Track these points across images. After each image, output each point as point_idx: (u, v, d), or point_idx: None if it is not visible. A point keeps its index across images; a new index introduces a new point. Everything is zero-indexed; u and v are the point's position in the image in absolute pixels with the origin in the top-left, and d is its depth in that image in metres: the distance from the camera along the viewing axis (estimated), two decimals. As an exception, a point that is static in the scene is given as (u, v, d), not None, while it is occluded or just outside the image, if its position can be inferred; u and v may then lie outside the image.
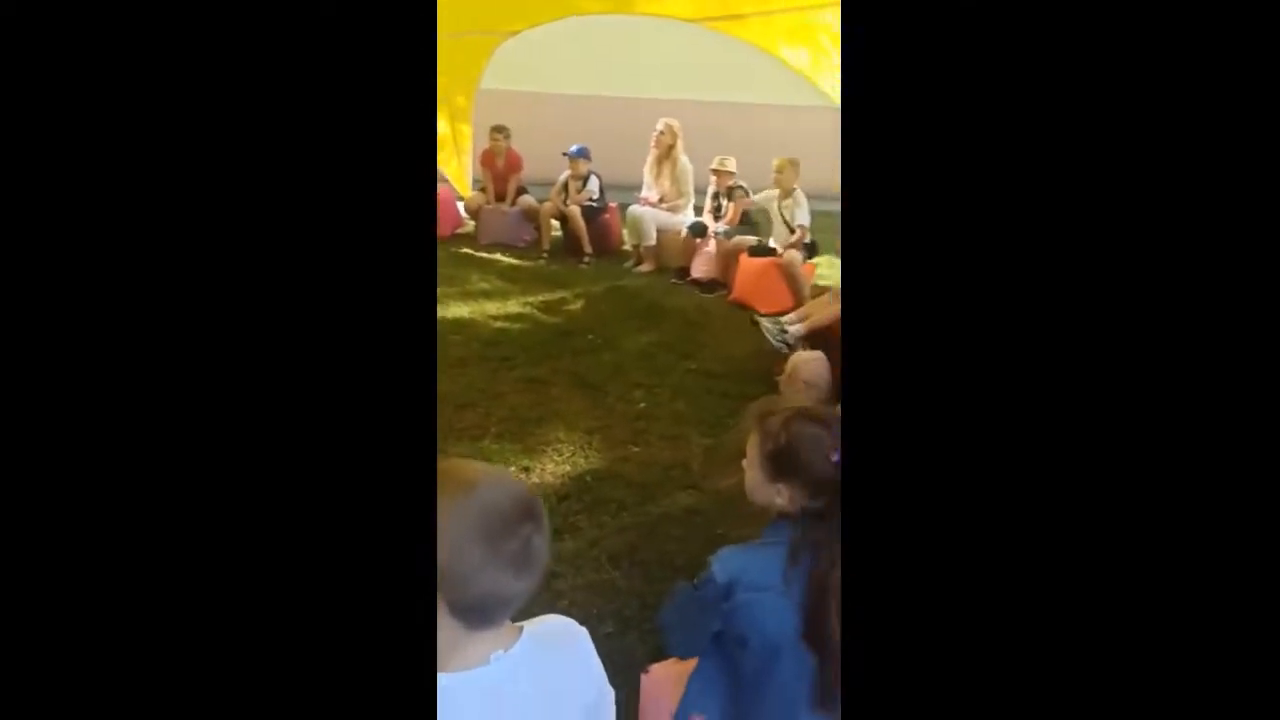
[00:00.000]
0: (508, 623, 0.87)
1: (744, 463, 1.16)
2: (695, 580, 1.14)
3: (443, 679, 0.77)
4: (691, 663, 1.32)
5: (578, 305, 4.29)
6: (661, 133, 4.90)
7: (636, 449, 2.77)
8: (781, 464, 1.08)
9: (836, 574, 1.01)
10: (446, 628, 0.78)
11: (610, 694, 0.98)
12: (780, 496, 1.09)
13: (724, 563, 1.08)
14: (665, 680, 1.31)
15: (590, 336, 3.75)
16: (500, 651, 0.84)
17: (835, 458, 1.04)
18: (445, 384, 3.04)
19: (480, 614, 0.82)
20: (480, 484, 0.81)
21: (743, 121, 6.98)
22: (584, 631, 0.96)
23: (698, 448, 2.81)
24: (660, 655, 1.44)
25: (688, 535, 2.28)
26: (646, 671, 1.35)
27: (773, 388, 3.25)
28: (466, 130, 5.88)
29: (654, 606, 1.93)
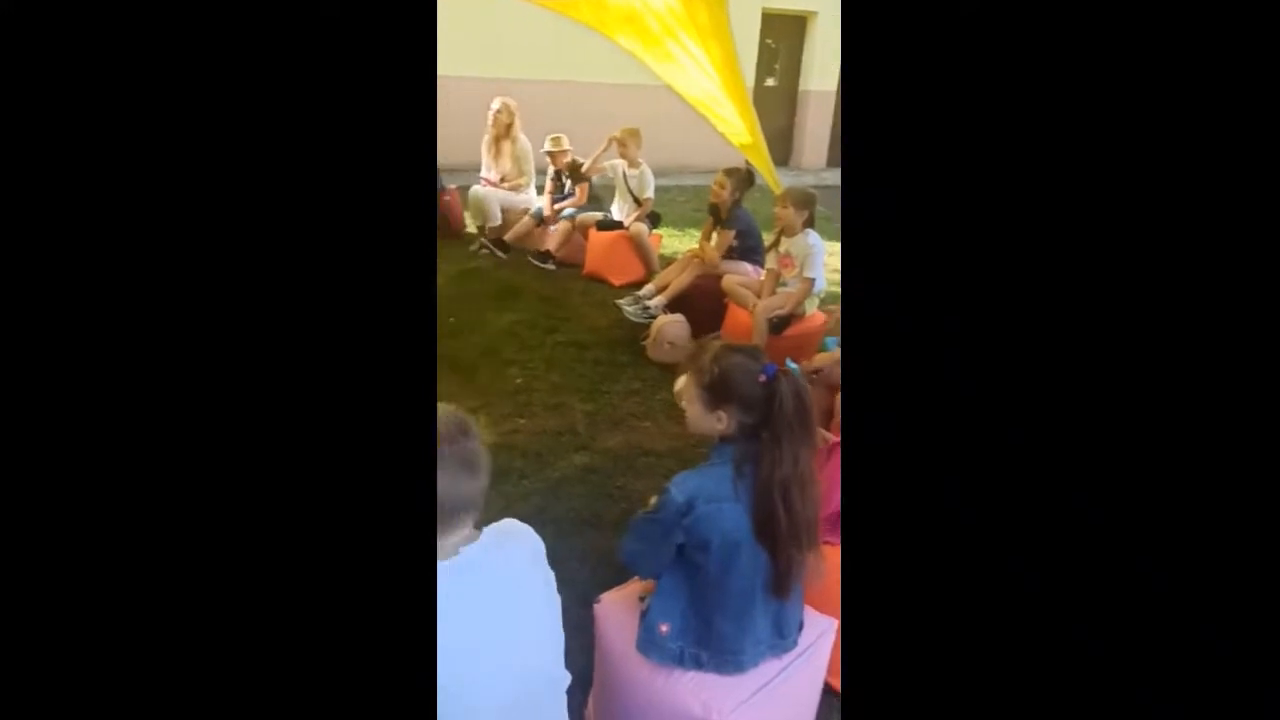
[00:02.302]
0: (471, 528, 1.03)
1: (683, 402, 1.31)
2: (652, 507, 1.27)
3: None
4: (637, 583, 1.46)
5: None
6: (498, 112, 4.86)
7: (523, 420, 2.84)
8: (717, 393, 1.24)
9: (778, 475, 1.19)
10: None
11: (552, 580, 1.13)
12: (720, 422, 1.25)
13: (680, 485, 1.23)
14: (617, 606, 1.44)
15: (451, 320, 3.72)
16: (467, 546, 1.00)
17: (762, 379, 1.22)
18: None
19: (449, 515, 0.97)
20: None
21: (577, 100, 7.08)
22: (528, 528, 1.12)
23: (580, 413, 2.93)
24: (596, 593, 1.55)
25: (589, 492, 2.41)
26: (598, 602, 1.46)
27: (640, 352, 3.45)
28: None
29: (569, 559, 2.05)
